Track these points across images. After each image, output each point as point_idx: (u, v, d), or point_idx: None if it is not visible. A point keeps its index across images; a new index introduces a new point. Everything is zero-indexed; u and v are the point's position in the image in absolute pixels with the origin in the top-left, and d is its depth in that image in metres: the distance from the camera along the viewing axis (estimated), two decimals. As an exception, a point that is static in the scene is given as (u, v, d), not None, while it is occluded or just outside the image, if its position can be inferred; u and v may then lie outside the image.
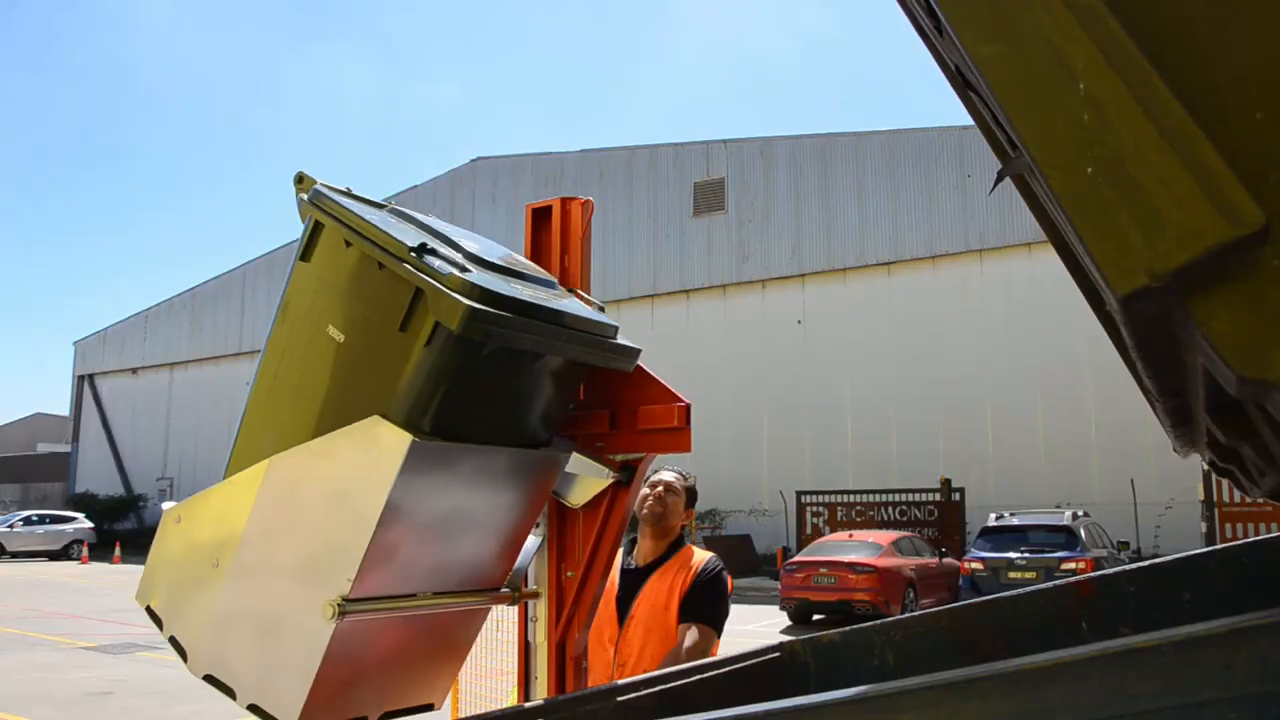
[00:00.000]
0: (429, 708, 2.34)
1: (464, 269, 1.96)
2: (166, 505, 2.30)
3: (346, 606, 1.91)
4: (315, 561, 2.00)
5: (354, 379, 2.05)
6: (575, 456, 2.41)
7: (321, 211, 2.10)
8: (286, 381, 2.16)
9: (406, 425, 1.93)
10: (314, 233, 2.12)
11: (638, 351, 2.38)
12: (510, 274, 2.16)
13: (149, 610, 2.25)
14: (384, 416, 1.94)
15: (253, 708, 2.06)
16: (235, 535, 2.09)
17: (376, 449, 1.93)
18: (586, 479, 2.49)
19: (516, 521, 2.33)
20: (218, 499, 2.17)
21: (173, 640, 2.19)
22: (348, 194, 2.19)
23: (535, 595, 2.54)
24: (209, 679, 2.12)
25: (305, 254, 2.14)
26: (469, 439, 2.07)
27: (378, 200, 2.28)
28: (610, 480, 2.46)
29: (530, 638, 2.56)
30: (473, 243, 2.16)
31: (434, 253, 1.95)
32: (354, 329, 2.05)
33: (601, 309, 2.44)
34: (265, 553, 2.07)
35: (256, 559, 2.07)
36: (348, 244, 2.04)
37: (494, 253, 2.21)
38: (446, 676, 2.41)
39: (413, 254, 1.92)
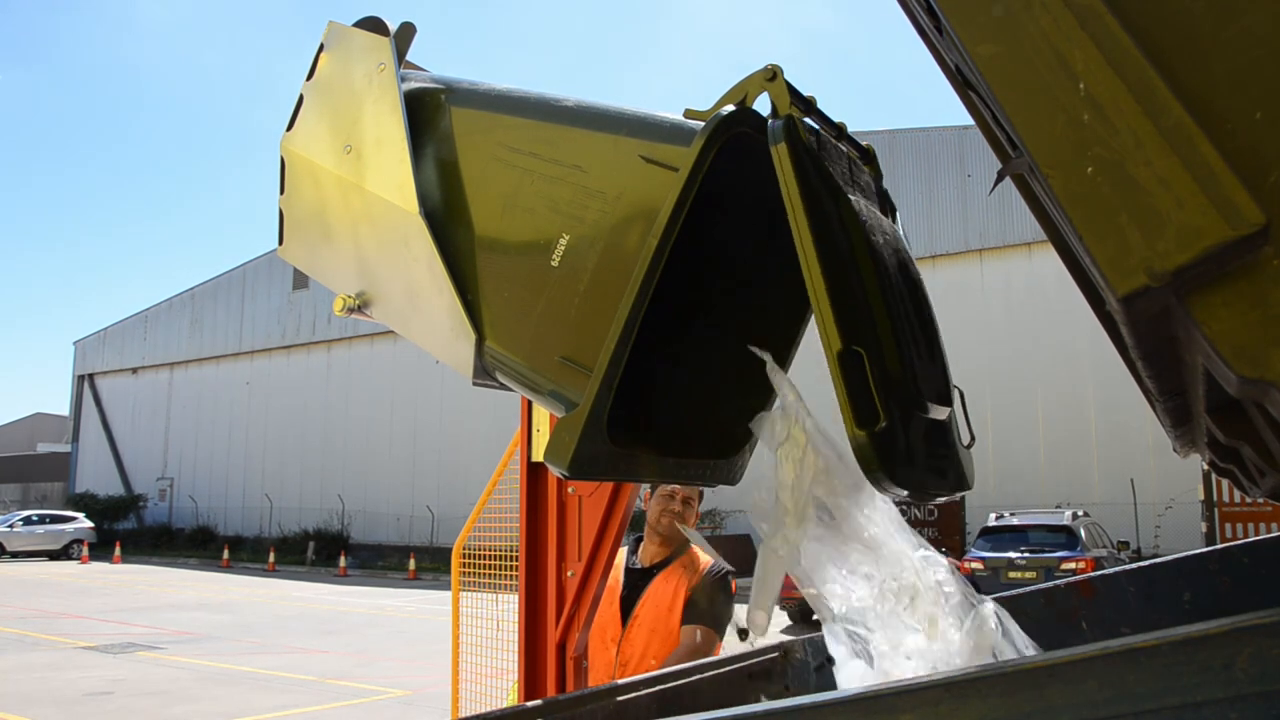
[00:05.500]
0: None
1: None
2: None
3: (355, 307, 2.13)
4: (370, 277, 2.11)
5: (517, 291, 1.73)
6: None
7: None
8: (521, 224, 1.76)
9: (476, 374, 1.84)
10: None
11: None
12: None
13: None
14: (481, 340, 1.77)
15: (281, 213, 2.34)
16: (363, 184, 2.02)
17: (450, 342, 1.86)
18: None
19: None
20: (390, 154, 1.97)
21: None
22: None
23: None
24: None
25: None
26: None
27: None
28: None
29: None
30: None
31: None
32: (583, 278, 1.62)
33: None
34: (358, 211, 2.07)
35: (358, 208, 2.07)
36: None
37: None
38: None
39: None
